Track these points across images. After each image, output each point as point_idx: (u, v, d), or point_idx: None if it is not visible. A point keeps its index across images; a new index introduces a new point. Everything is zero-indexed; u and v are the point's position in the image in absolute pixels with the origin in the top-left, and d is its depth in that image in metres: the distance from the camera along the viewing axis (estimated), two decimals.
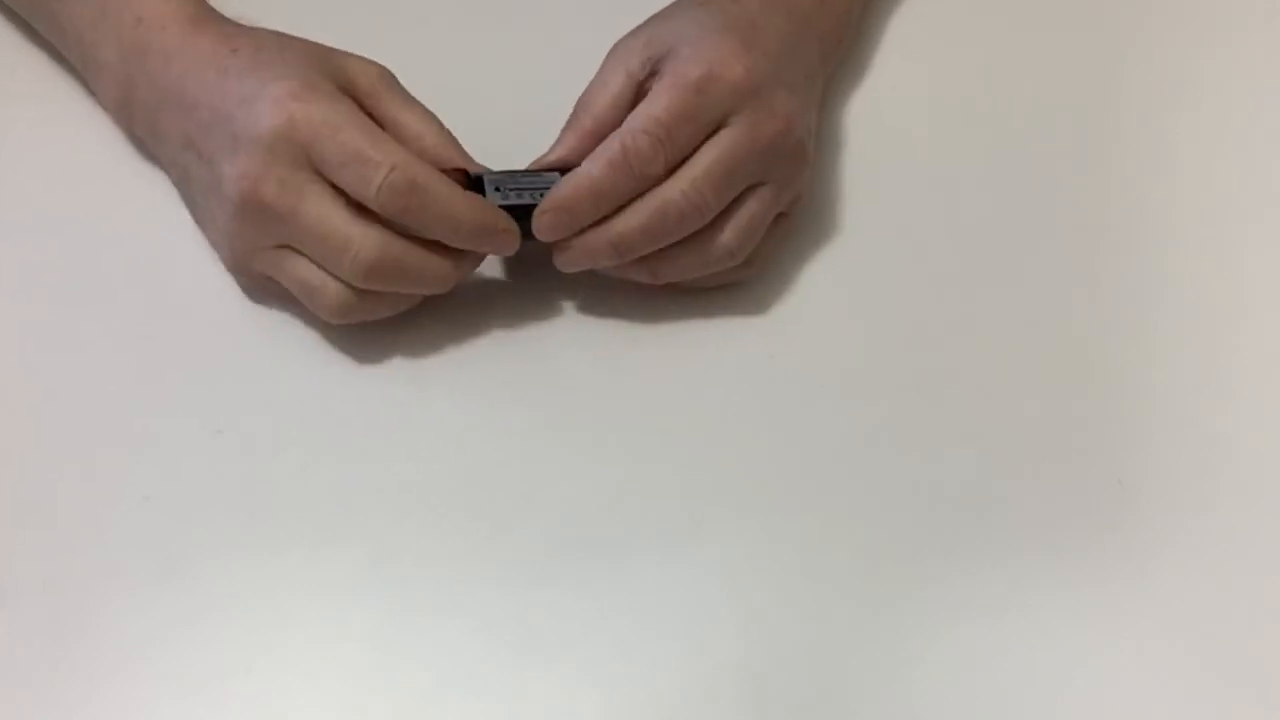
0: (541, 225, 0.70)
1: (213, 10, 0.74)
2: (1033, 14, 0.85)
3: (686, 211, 0.69)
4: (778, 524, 0.69)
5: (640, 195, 0.70)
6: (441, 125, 0.72)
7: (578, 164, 0.70)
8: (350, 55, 0.72)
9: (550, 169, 0.71)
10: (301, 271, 0.69)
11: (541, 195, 0.70)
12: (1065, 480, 0.70)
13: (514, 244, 0.70)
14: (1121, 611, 0.67)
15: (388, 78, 0.72)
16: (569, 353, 0.73)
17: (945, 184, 0.79)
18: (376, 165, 0.67)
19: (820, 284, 0.75)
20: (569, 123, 0.72)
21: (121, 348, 0.72)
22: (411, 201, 0.67)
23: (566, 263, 0.71)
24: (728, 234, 0.71)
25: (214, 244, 0.73)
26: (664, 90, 0.70)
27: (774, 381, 0.73)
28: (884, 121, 0.80)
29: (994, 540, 0.69)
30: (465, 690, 0.65)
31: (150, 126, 0.74)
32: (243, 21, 0.74)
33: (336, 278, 0.69)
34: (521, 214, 0.70)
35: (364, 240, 0.68)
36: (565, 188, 0.70)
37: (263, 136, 0.67)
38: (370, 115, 0.70)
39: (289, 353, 0.72)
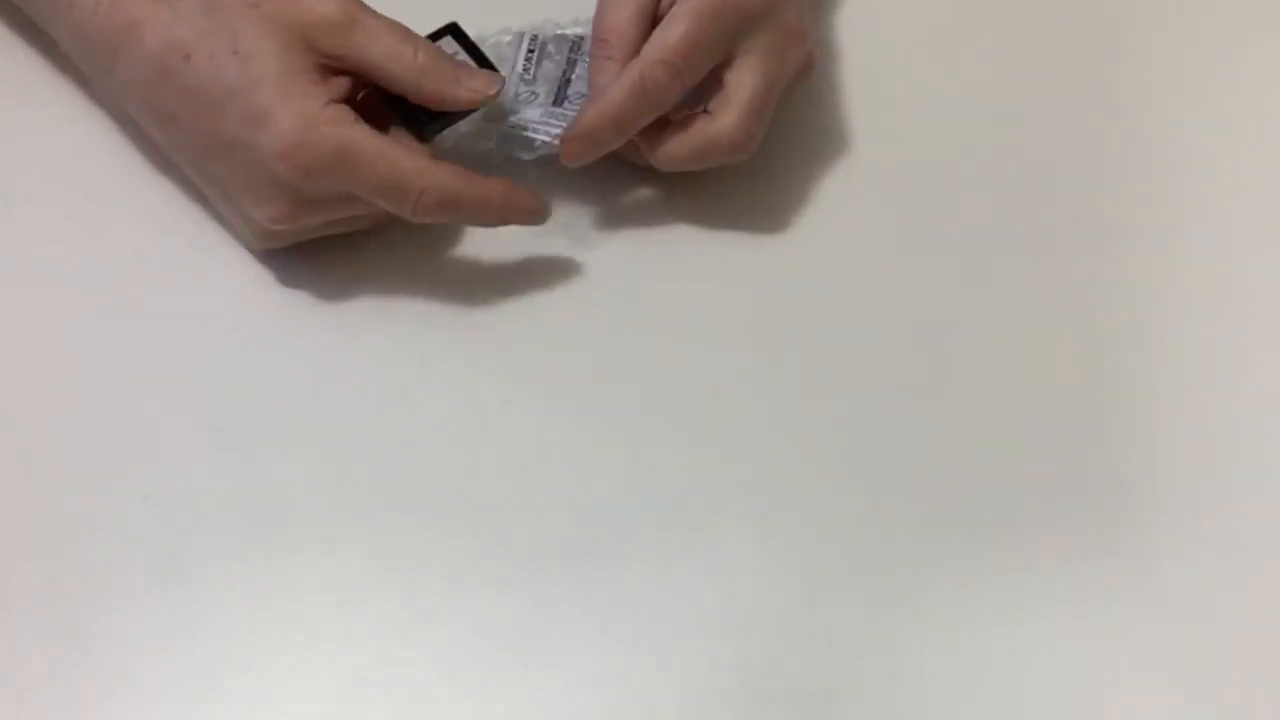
0: (568, 151, 0.72)
1: None
2: (1036, 10, 0.85)
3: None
4: (778, 524, 0.69)
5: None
6: (414, 48, 0.69)
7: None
8: (302, 6, 0.68)
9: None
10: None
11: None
12: (1068, 481, 0.70)
13: (543, 216, 0.72)
14: (1123, 612, 0.67)
15: (343, 16, 0.69)
16: (570, 354, 0.73)
17: (946, 182, 0.78)
18: (404, 193, 0.69)
19: (820, 283, 0.75)
20: (593, 59, 0.73)
21: (121, 347, 0.72)
22: (443, 214, 0.70)
23: (574, 156, 0.73)
24: (730, 119, 0.72)
25: (248, 213, 0.71)
26: (681, 18, 0.71)
27: (774, 380, 0.73)
28: (884, 119, 0.80)
29: (996, 541, 0.69)
30: (465, 691, 0.65)
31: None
32: None
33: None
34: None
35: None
36: (588, 117, 0.72)
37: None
38: (339, 62, 0.69)
39: (289, 352, 0.72)
